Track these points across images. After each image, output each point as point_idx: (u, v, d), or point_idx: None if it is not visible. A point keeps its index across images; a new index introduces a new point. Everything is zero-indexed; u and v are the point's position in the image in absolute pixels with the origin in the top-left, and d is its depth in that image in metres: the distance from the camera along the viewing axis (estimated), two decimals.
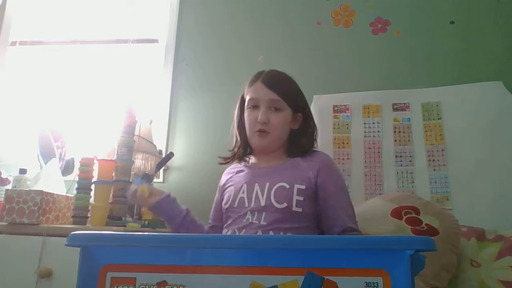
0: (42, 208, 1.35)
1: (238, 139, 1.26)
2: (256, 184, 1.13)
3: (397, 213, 1.27)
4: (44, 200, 1.37)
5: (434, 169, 1.71)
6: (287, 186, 1.09)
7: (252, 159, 1.26)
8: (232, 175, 1.26)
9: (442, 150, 1.72)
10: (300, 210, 1.07)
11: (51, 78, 2.23)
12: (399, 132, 1.79)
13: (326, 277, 0.49)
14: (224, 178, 1.29)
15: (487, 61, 1.81)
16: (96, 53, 2.26)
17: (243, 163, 1.26)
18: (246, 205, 1.12)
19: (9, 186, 1.69)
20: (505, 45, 1.82)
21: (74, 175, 1.76)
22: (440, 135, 1.74)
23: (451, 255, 1.14)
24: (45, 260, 1.26)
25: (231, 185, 1.21)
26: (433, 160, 1.72)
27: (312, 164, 1.14)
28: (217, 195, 1.30)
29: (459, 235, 1.20)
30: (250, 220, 1.09)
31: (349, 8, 2.01)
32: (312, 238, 0.55)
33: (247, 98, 1.19)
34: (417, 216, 1.24)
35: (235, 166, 1.29)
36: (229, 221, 1.16)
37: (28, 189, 1.46)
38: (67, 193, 1.68)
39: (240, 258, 0.54)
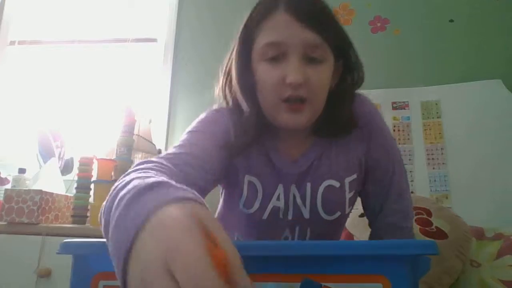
0: (42, 207, 1.35)
1: (249, 115, 0.71)
2: (293, 186, 0.74)
3: None
4: (44, 199, 1.37)
5: (433, 168, 1.71)
6: (337, 184, 0.74)
7: (268, 140, 0.75)
8: (250, 158, 0.74)
9: (442, 149, 1.72)
10: (350, 208, 0.78)
11: (50, 78, 2.23)
12: (399, 130, 1.79)
13: (323, 284, 0.47)
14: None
15: (486, 59, 1.81)
16: (95, 52, 2.26)
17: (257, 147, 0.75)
18: (281, 216, 0.74)
19: (8, 186, 1.69)
20: (505, 44, 1.81)
21: (74, 175, 1.76)
22: (440, 133, 1.74)
23: (456, 260, 1.13)
24: (44, 260, 1.26)
25: (254, 178, 0.74)
26: (433, 158, 1.72)
27: (359, 134, 0.76)
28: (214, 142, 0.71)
29: (469, 243, 1.19)
30: (289, 239, 0.76)
31: (348, 7, 2.00)
32: (309, 243, 0.52)
33: (262, 41, 0.68)
34: (428, 218, 1.24)
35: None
36: (250, 228, 0.77)
37: (27, 188, 1.46)
38: (66, 192, 1.68)
39: None
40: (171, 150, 0.67)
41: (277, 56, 0.67)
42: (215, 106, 0.79)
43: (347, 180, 0.74)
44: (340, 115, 0.73)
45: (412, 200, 0.81)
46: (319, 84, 0.67)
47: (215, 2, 2.14)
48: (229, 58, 0.77)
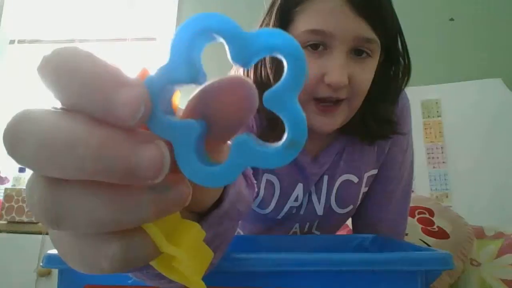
0: None
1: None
2: (313, 186, 0.69)
3: (410, 211, 1.26)
4: None
5: (433, 167, 1.71)
6: (355, 180, 0.68)
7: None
8: None
9: (442, 148, 1.72)
10: (360, 201, 0.72)
11: None
12: None
13: None
14: None
15: (486, 58, 1.81)
16: (95, 51, 2.25)
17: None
18: (294, 211, 0.69)
19: (8, 185, 1.69)
20: (505, 43, 1.81)
21: None
22: (440, 132, 1.74)
23: (458, 261, 1.13)
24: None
25: (273, 177, 0.66)
26: (433, 157, 1.72)
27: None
28: None
29: (472, 244, 1.19)
30: (298, 232, 0.72)
31: None
32: (317, 258, 0.46)
33: (303, 26, 0.56)
34: (430, 217, 1.24)
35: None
36: (258, 222, 0.72)
37: None
38: None
39: (224, 279, 0.46)
40: None
41: (318, 45, 0.55)
42: None
43: (366, 175, 0.69)
44: (378, 115, 0.62)
45: (406, 226, 0.76)
46: (363, 84, 0.57)
47: (215, 2, 2.14)
48: None
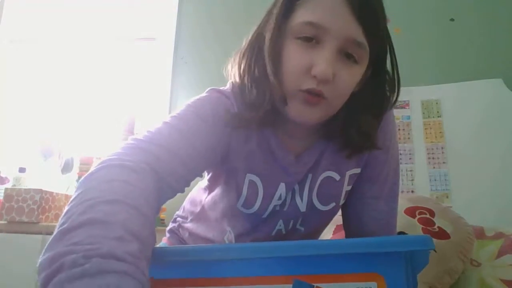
0: (42, 206, 1.35)
1: (265, 88, 0.62)
2: (296, 185, 0.70)
3: (411, 212, 1.27)
4: (44, 198, 1.37)
5: (434, 167, 1.71)
6: (337, 177, 0.70)
7: (272, 133, 0.68)
8: (252, 156, 0.67)
9: (442, 148, 1.72)
10: (344, 201, 0.73)
11: (50, 76, 2.23)
12: (399, 130, 1.79)
13: (315, 285, 0.46)
14: (227, 139, 0.65)
15: (487, 58, 1.81)
16: (95, 51, 2.25)
17: (259, 131, 0.66)
18: (278, 208, 0.70)
19: (8, 185, 1.69)
20: (506, 43, 1.81)
21: (74, 174, 1.76)
22: (440, 132, 1.74)
23: (458, 261, 1.13)
24: None
25: (255, 177, 0.68)
26: (433, 157, 1.72)
27: None
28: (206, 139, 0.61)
29: (472, 244, 1.19)
30: (283, 232, 0.72)
31: None
32: (298, 244, 0.49)
33: (301, 18, 0.59)
34: (431, 218, 1.24)
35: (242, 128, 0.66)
36: (243, 222, 0.72)
37: (27, 187, 1.46)
38: (66, 191, 1.68)
39: (223, 269, 0.49)
40: (156, 129, 0.58)
41: (312, 39, 0.58)
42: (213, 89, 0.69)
43: (348, 173, 0.71)
44: (359, 126, 0.64)
45: (396, 225, 0.76)
46: (346, 86, 0.60)
47: (215, 2, 2.14)
48: (257, 28, 0.67)
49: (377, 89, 0.65)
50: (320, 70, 0.56)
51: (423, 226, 1.19)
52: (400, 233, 1.08)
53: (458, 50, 1.85)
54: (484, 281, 1.12)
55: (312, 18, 0.57)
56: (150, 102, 2.09)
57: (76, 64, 2.24)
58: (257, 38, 0.66)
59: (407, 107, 1.81)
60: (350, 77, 0.60)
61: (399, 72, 0.67)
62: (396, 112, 1.81)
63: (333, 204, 0.71)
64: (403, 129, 1.79)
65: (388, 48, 0.65)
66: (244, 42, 0.69)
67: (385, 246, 0.46)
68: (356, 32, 0.57)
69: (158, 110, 2.05)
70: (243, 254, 0.48)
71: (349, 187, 0.72)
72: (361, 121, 0.64)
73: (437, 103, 1.78)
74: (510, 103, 1.68)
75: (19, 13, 2.36)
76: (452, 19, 1.89)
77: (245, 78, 0.65)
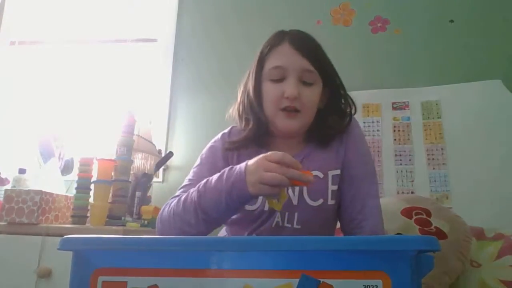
0: (42, 207, 1.35)
1: (250, 118, 0.92)
2: None
3: (407, 212, 1.27)
4: (44, 199, 1.37)
5: (433, 168, 1.71)
6: (321, 175, 0.89)
7: (264, 148, 0.92)
8: (241, 155, 0.92)
9: (442, 149, 1.72)
10: (334, 202, 0.90)
11: (50, 78, 2.23)
12: (399, 131, 1.79)
13: (322, 280, 0.47)
14: (223, 154, 0.95)
15: (486, 59, 1.81)
16: (95, 52, 2.25)
17: (253, 148, 0.92)
18: None
19: (8, 186, 1.69)
20: (505, 44, 1.81)
21: (74, 175, 1.76)
22: (440, 133, 1.74)
23: (456, 261, 1.13)
24: (44, 260, 1.26)
25: None
26: (433, 158, 1.72)
27: (339, 137, 0.94)
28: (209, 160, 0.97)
29: (469, 243, 1.19)
30: (280, 224, 0.88)
31: (349, 6, 2.00)
32: (307, 239, 0.52)
33: (269, 65, 0.90)
34: (427, 218, 1.24)
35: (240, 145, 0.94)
36: (242, 221, 0.91)
37: (27, 188, 1.46)
38: (66, 192, 1.68)
39: (233, 261, 0.52)
40: (185, 182, 0.95)
41: (280, 79, 0.88)
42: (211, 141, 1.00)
43: (331, 173, 0.90)
44: (327, 123, 0.93)
45: (383, 223, 0.91)
46: (310, 99, 0.89)
47: (215, 2, 2.14)
48: (247, 77, 0.96)
49: (333, 99, 0.94)
50: (289, 92, 0.86)
51: (420, 227, 1.19)
52: (398, 234, 1.09)
53: (457, 51, 1.85)
54: (484, 282, 1.12)
55: (277, 63, 0.89)
56: (150, 103, 2.09)
57: (77, 66, 2.24)
58: (245, 87, 0.97)
59: (407, 108, 1.81)
60: (311, 93, 0.89)
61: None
62: (396, 113, 1.81)
63: (321, 201, 0.88)
64: (403, 130, 1.79)
65: (332, 71, 0.94)
66: (238, 93, 0.99)
67: (390, 245, 0.48)
68: (305, 64, 0.88)
69: (158, 111, 2.06)
70: (255, 247, 0.51)
71: (334, 187, 0.90)
72: (328, 120, 0.93)
73: (436, 104, 1.78)
74: (509, 104, 1.68)
75: (20, 14, 2.36)
76: (451, 21, 1.90)
77: (242, 113, 0.95)
